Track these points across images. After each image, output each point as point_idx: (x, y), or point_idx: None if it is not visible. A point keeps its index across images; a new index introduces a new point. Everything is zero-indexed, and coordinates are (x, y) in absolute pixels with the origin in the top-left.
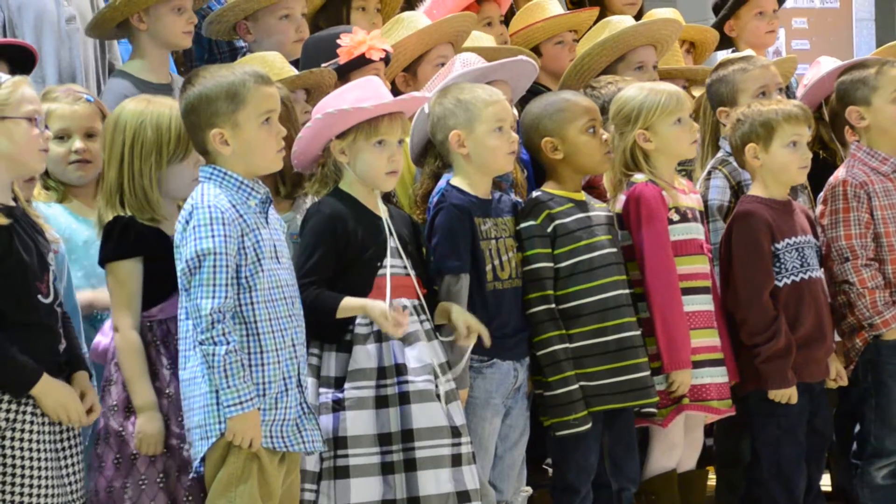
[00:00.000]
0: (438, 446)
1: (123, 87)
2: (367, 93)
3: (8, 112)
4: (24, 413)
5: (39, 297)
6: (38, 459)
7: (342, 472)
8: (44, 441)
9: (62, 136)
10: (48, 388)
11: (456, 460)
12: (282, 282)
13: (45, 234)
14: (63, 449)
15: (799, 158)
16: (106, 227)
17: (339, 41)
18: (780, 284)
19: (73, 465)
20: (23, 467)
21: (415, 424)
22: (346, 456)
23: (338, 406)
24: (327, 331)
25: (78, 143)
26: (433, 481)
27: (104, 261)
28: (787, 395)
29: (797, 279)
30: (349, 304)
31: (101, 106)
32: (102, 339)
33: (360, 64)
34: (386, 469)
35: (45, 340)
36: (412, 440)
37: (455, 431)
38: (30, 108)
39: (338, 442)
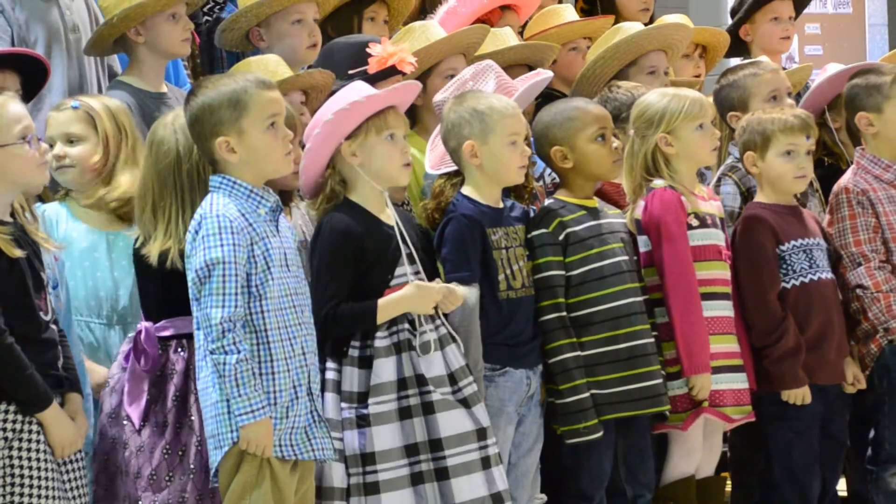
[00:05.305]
0: (468, 452)
1: (124, 97)
2: (361, 92)
3: (0, 139)
4: (31, 423)
5: (41, 313)
6: (44, 469)
7: (372, 488)
8: (49, 452)
9: (51, 144)
10: (56, 419)
11: (485, 463)
12: (291, 290)
13: (40, 251)
14: (66, 463)
15: (794, 168)
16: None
17: (369, 50)
18: (789, 286)
19: (76, 479)
20: (31, 477)
21: (442, 433)
22: (376, 472)
23: (363, 422)
24: (348, 343)
25: (57, 150)
26: (467, 487)
27: None
28: (800, 395)
29: (806, 280)
30: (384, 303)
31: (89, 110)
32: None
33: (386, 75)
34: (416, 480)
35: (46, 357)
36: (441, 449)
37: (481, 434)
38: (20, 127)
39: (365, 458)
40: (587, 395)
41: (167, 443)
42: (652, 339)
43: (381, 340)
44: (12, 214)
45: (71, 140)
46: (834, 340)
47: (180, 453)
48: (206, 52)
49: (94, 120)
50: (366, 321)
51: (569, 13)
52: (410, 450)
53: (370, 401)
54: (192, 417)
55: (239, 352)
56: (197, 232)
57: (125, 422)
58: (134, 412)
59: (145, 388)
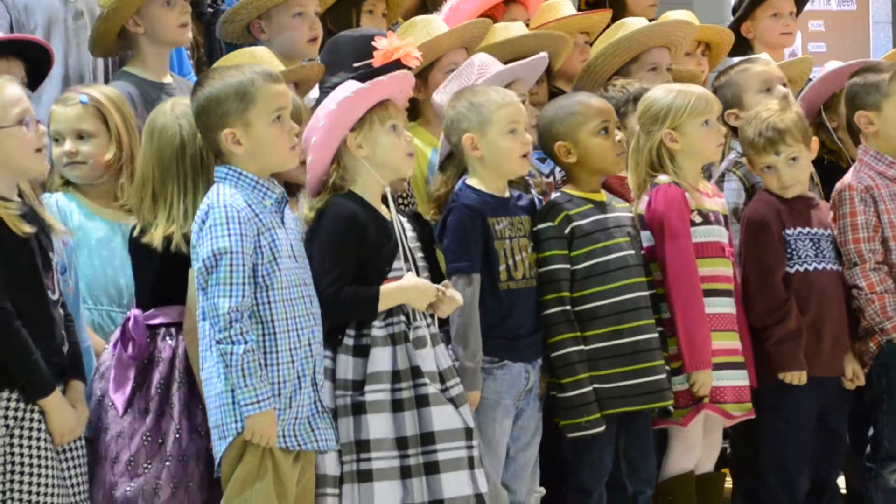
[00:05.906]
0: (457, 448)
1: (127, 88)
2: (355, 86)
3: None
4: (33, 411)
5: (49, 292)
6: (44, 458)
7: (365, 476)
8: (49, 440)
9: (57, 139)
10: (58, 406)
11: (471, 462)
12: (300, 280)
13: (48, 231)
14: (65, 451)
15: (778, 180)
16: None
17: (374, 43)
18: (792, 271)
19: (74, 466)
20: (31, 465)
21: (435, 427)
22: (370, 459)
23: (358, 409)
24: (343, 331)
25: (67, 146)
26: (455, 483)
27: None
28: (798, 377)
29: (809, 268)
30: (385, 290)
31: (98, 105)
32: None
33: (391, 69)
34: (404, 473)
35: (51, 340)
36: (433, 443)
37: (468, 433)
38: (17, 110)
39: (360, 445)
40: (590, 389)
41: (147, 429)
42: (656, 334)
43: (377, 330)
44: (20, 196)
45: (81, 136)
46: (831, 333)
47: (160, 441)
48: (206, 43)
49: (104, 115)
50: (367, 307)
51: (566, 8)
52: (400, 443)
53: (366, 388)
54: (174, 405)
55: (246, 342)
56: (204, 222)
57: (110, 407)
58: (118, 398)
59: (131, 375)
